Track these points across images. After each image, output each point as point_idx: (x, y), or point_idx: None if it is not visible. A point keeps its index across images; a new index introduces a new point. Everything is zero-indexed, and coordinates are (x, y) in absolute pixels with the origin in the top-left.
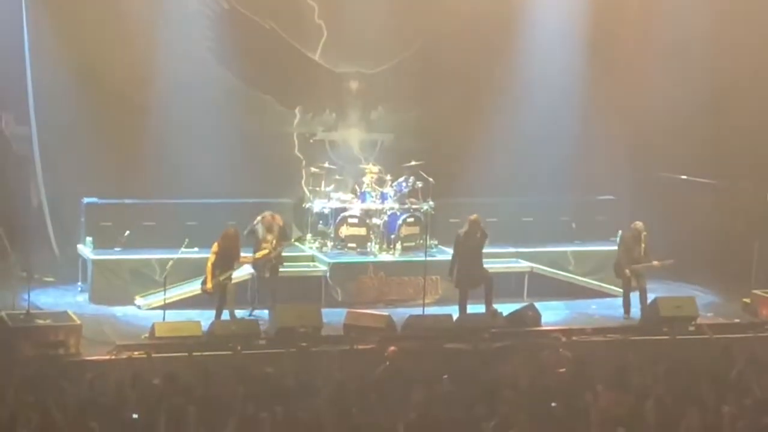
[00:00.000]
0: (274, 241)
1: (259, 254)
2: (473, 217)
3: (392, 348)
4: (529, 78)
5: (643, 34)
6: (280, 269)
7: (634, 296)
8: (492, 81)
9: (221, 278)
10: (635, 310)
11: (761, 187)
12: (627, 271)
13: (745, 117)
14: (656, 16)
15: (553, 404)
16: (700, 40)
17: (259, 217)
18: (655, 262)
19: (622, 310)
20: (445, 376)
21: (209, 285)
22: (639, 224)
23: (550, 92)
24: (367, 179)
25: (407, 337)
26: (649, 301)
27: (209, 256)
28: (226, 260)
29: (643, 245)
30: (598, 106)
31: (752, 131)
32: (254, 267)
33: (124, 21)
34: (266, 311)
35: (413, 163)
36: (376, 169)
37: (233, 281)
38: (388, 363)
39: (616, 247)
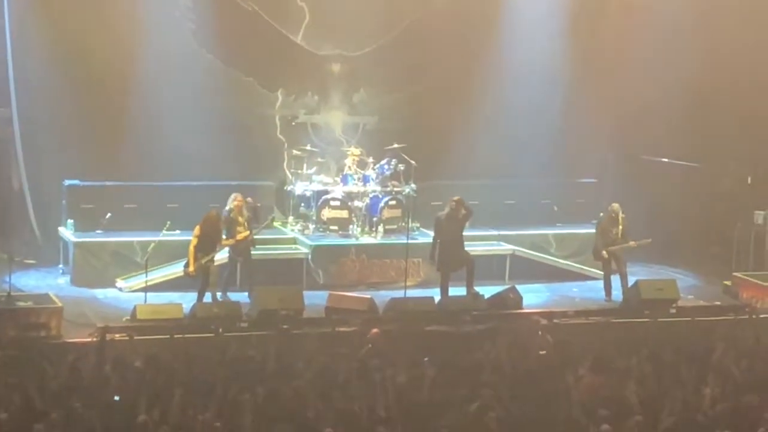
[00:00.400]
0: (246, 224)
1: (240, 236)
2: (456, 198)
3: (375, 330)
4: (511, 60)
5: (625, 15)
6: (253, 252)
7: (616, 279)
8: (474, 64)
9: (203, 261)
10: (617, 293)
11: (742, 170)
12: (604, 252)
13: (726, 99)
14: None
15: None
16: (684, 22)
17: (230, 203)
18: (632, 243)
19: (603, 293)
20: (426, 359)
21: (192, 268)
22: (615, 206)
23: (532, 75)
24: (349, 161)
25: (389, 320)
26: (630, 283)
27: (191, 239)
28: (208, 243)
29: (620, 227)
30: (580, 88)
31: (734, 114)
32: (231, 250)
33: (106, 3)
34: (243, 294)
35: (395, 145)
36: (357, 151)
37: (215, 263)
38: (370, 345)
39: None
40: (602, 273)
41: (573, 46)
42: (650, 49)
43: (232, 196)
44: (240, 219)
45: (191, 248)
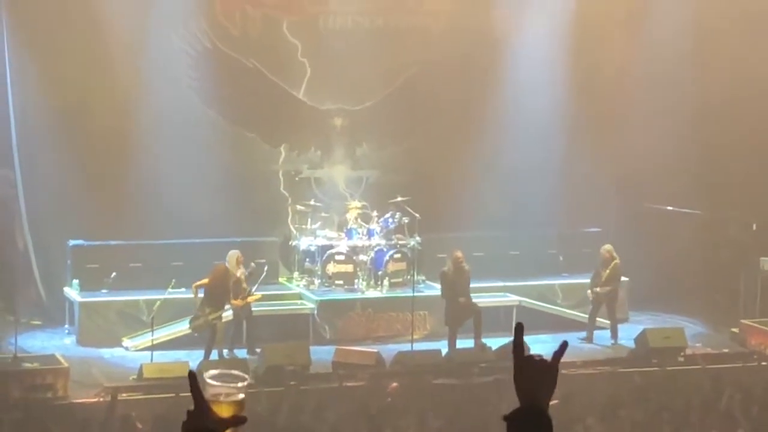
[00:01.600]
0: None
1: (251, 298)
2: (458, 252)
3: (394, 384)
4: (513, 111)
5: (626, 65)
6: (258, 308)
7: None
8: (476, 115)
9: (210, 317)
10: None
11: (747, 216)
12: (589, 292)
13: (730, 146)
14: (639, 45)
15: None
16: (685, 70)
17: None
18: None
19: (611, 341)
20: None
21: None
22: (605, 247)
23: (534, 125)
24: (350, 216)
25: (397, 374)
26: (637, 332)
27: (197, 282)
28: (216, 297)
29: (607, 270)
30: (582, 138)
31: (737, 161)
32: (236, 309)
33: (107, 59)
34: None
35: (399, 198)
36: (359, 204)
37: (223, 320)
38: (390, 399)
39: None
40: (609, 323)
41: (574, 96)
42: (652, 96)
43: (230, 253)
44: (243, 277)
45: (194, 287)
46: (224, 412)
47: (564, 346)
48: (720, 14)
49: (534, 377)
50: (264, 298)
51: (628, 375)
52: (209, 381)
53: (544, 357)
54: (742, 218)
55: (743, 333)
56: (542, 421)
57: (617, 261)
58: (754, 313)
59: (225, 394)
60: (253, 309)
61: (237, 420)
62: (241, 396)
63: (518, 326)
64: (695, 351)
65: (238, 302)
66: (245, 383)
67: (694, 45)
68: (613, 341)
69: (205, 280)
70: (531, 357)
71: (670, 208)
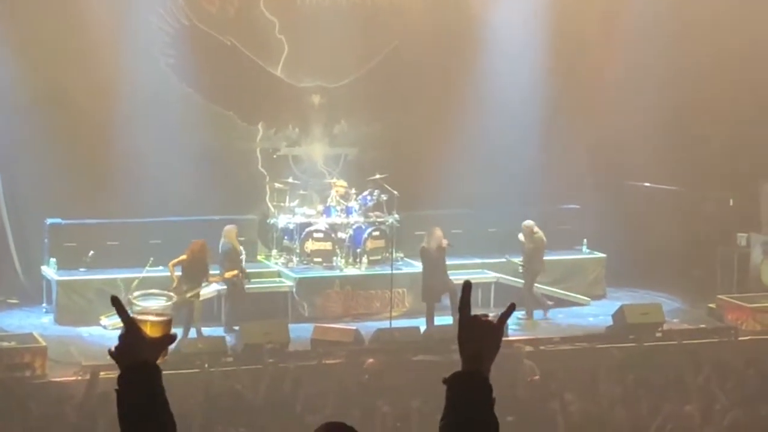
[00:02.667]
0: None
1: (228, 274)
2: (437, 231)
3: (370, 360)
4: (492, 88)
5: (606, 41)
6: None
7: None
8: (454, 92)
9: (188, 295)
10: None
11: (724, 192)
12: (519, 268)
13: (707, 123)
14: (620, 22)
15: (509, 418)
16: (664, 47)
17: (228, 236)
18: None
19: (591, 319)
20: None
21: (176, 282)
22: (526, 222)
23: (513, 102)
24: (333, 193)
25: (375, 351)
26: (615, 308)
27: (174, 260)
28: (193, 274)
29: (531, 245)
30: (561, 114)
31: (715, 137)
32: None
33: (84, 38)
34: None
35: (377, 176)
36: (344, 183)
37: (201, 298)
38: (367, 376)
39: (581, 256)
40: (588, 299)
41: (553, 72)
42: (631, 74)
43: (228, 228)
44: (239, 248)
45: (170, 265)
46: (153, 332)
47: (511, 308)
48: None
49: (479, 337)
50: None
51: (606, 351)
52: (135, 302)
53: (491, 318)
54: (719, 194)
55: (720, 308)
56: (482, 387)
57: (539, 234)
58: (731, 289)
59: (154, 313)
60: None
61: (169, 339)
62: (169, 316)
63: (466, 284)
64: (672, 326)
65: (216, 278)
66: (172, 301)
67: (676, 21)
68: (527, 317)
69: (183, 257)
70: (477, 317)
71: (647, 184)
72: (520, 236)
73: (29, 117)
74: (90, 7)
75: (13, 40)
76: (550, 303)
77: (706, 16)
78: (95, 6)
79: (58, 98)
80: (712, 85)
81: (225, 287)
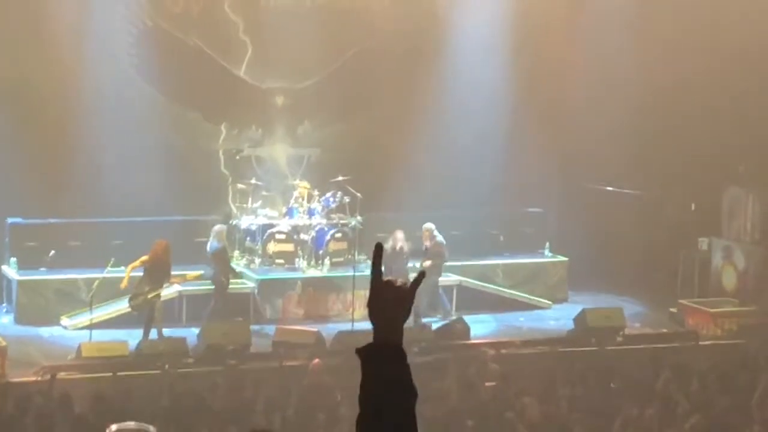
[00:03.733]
0: None
1: (190, 276)
2: (397, 232)
3: (316, 361)
4: (455, 91)
5: (568, 46)
6: (196, 287)
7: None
8: (418, 94)
9: (149, 296)
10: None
11: (686, 197)
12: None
13: (669, 127)
14: (581, 26)
15: (469, 422)
16: (627, 49)
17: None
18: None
19: (552, 323)
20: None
21: (124, 284)
22: (426, 225)
23: (476, 105)
24: (296, 194)
25: (337, 353)
26: (577, 312)
27: (134, 262)
28: (156, 275)
29: (429, 248)
30: (525, 117)
31: (677, 141)
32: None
33: (46, 36)
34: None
35: (340, 178)
36: (307, 184)
37: (162, 299)
38: (315, 376)
39: (544, 260)
40: (549, 302)
41: (517, 76)
42: (594, 78)
43: (218, 228)
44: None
45: (128, 267)
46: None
47: (422, 274)
48: None
49: (390, 302)
50: (204, 276)
51: (567, 354)
52: None
53: (401, 283)
54: (680, 199)
55: (681, 313)
56: (398, 356)
57: (438, 239)
58: (692, 293)
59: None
60: (191, 288)
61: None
62: None
63: (377, 246)
64: (634, 331)
65: (178, 279)
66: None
67: (638, 21)
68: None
69: (145, 258)
70: (389, 281)
71: (610, 188)
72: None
73: None
74: (52, 3)
75: None
76: (448, 309)
77: (671, 17)
78: (58, 4)
79: (19, 96)
80: (674, 90)
81: (212, 286)
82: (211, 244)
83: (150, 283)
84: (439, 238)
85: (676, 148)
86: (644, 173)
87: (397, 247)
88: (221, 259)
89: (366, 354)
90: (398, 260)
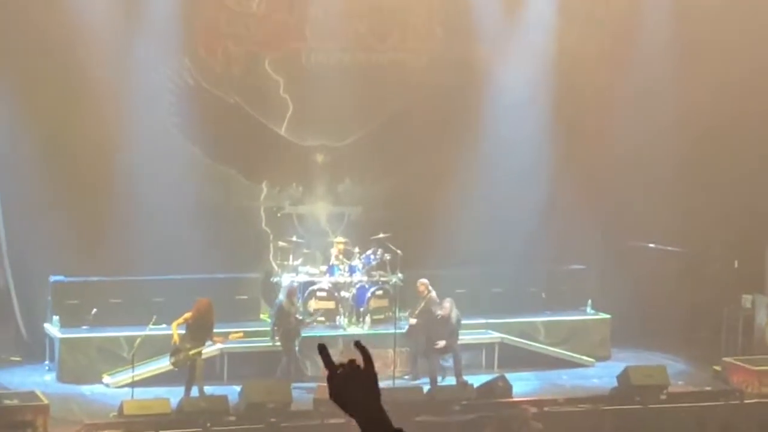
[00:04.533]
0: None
1: (233, 336)
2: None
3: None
4: (497, 146)
5: (609, 100)
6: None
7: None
8: (458, 150)
9: (191, 352)
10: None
11: (729, 254)
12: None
13: (712, 183)
14: (622, 79)
15: None
16: (667, 102)
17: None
18: None
19: (595, 381)
20: None
21: (175, 339)
22: (421, 280)
23: (517, 162)
24: (334, 251)
25: None
26: (619, 370)
27: (178, 319)
28: (197, 332)
29: (422, 303)
30: (566, 175)
31: (720, 197)
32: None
33: (89, 96)
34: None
35: (381, 235)
36: (342, 239)
37: (203, 357)
38: None
39: (586, 317)
40: (592, 360)
41: (557, 131)
42: (634, 133)
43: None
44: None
45: (174, 324)
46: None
47: (363, 350)
48: (705, 48)
49: (353, 386)
50: (245, 334)
51: (611, 413)
52: None
53: (354, 363)
54: (724, 256)
55: (725, 371)
56: None
57: (432, 294)
58: (736, 351)
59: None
60: (233, 345)
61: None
62: None
63: (321, 346)
64: (677, 389)
65: (220, 339)
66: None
67: (677, 72)
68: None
69: (188, 315)
70: (342, 370)
71: (652, 245)
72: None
73: (32, 174)
74: (96, 65)
75: (17, 96)
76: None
77: (713, 72)
78: (101, 64)
79: (62, 156)
80: (716, 145)
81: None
82: (279, 299)
83: (192, 341)
84: (433, 294)
85: (718, 205)
86: (687, 230)
87: (446, 315)
88: (286, 314)
89: None
90: (447, 327)
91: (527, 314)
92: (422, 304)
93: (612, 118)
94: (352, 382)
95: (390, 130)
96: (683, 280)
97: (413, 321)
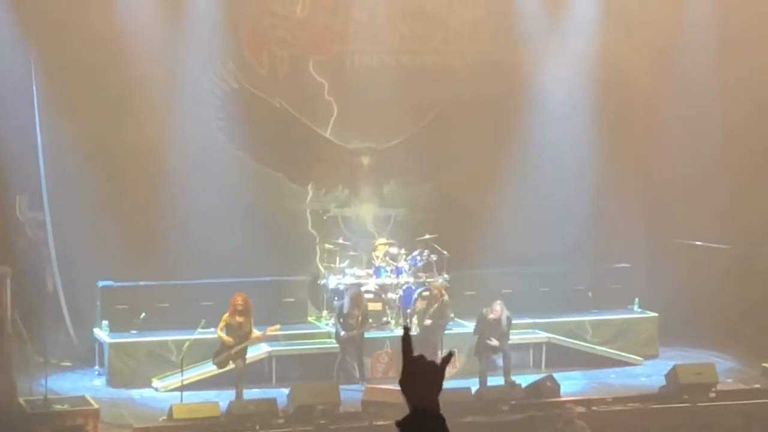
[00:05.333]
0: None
1: (270, 330)
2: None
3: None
4: (541, 147)
5: (653, 100)
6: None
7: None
8: (503, 151)
9: (233, 351)
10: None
11: None
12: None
13: (758, 179)
14: (666, 81)
15: None
16: (714, 100)
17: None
18: None
19: (643, 379)
20: None
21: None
22: (435, 284)
23: (562, 161)
24: (379, 253)
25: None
26: (668, 368)
27: (220, 323)
28: (236, 330)
29: (435, 305)
30: (612, 172)
31: (766, 193)
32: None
33: (135, 101)
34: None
35: (427, 236)
36: (384, 240)
37: (246, 357)
38: None
39: (633, 316)
40: (640, 359)
41: (602, 131)
42: (681, 130)
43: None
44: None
45: (218, 330)
46: None
47: (450, 355)
48: (749, 50)
49: (421, 377)
50: (293, 336)
51: (659, 411)
52: None
53: (431, 360)
54: None
55: None
56: (436, 423)
57: (445, 298)
58: None
59: None
60: (281, 348)
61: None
62: None
63: (405, 329)
64: (726, 387)
65: (259, 336)
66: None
67: (724, 73)
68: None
69: (225, 315)
70: (420, 357)
71: (699, 243)
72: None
73: (80, 180)
74: (142, 70)
75: (65, 103)
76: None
77: (758, 73)
78: (147, 69)
79: (109, 161)
80: (764, 141)
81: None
82: (344, 303)
83: (233, 339)
84: (446, 297)
85: (764, 202)
86: (733, 227)
87: (497, 317)
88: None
89: (406, 423)
90: (498, 329)
91: (574, 313)
92: (435, 306)
93: (656, 119)
94: (422, 373)
95: (434, 132)
96: (730, 277)
97: (428, 322)
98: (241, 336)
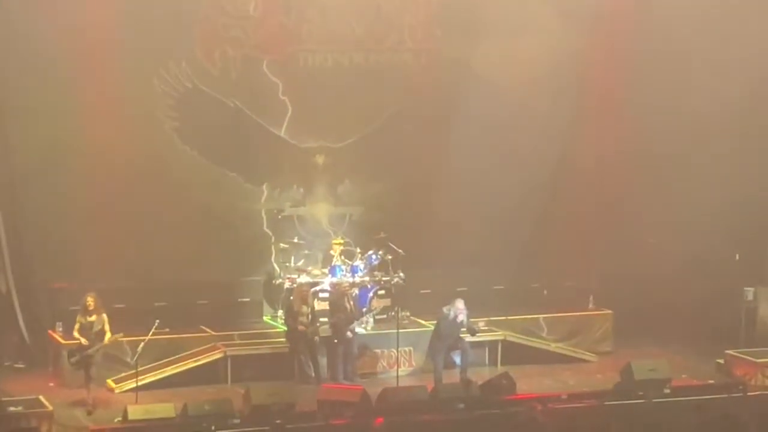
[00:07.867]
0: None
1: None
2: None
3: (380, 419)
4: (496, 147)
5: (608, 99)
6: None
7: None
8: (459, 150)
9: (89, 352)
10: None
11: (730, 246)
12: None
13: (711, 175)
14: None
15: None
16: (665, 100)
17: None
18: None
19: (598, 376)
20: None
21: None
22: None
23: (517, 159)
24: (334, 252)
25: (382, 411)
26: (623, 365)
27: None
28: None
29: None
30: (567, 172)
31: (720, 191)
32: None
33: (88, 104)
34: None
35: (382, 235)
36: (341, 240)
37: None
38: None
39: (588, 313)
40: (594, 355)
41: (555, 132)
42: (635, 131)
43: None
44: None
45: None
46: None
47: None
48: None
49: None
50: (248, 336)
51: (614, 408)
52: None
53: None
54: (724, 249)
55: (728, 364)
56: None
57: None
58: (739, 344)
59: None
60: (236, 348)
61: None
62: None
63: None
64: (681, 382)
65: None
66: None
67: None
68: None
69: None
70: None
71: (653, 240)
72: None
73: (33, 181)
74: (93, 70)
75: (18, 104)
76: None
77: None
78: (98, 69)
79: (62, 162)
80: (715, 138)
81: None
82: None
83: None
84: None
85: (718, 198)
86: (686, 224)
87: (457, 317)
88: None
89: None
90: (455, 328)
91: (529, 311)
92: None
93: (613, 117)
94: None
95: (389, 131)
96: (684, 273)
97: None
98: (96, 335)
